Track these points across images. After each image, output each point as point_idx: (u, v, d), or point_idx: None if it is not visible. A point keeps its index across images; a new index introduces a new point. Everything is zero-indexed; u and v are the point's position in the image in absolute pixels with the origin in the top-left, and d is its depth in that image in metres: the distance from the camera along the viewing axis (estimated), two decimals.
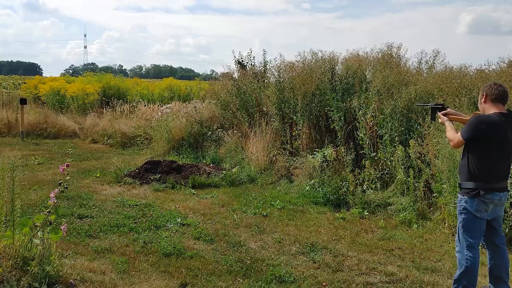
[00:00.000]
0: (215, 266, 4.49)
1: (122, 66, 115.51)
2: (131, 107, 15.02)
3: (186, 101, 15.14)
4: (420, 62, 9.00)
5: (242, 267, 4.48)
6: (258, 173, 8.54)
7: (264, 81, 10.59)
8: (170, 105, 13.99)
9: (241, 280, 4.18)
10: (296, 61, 9.50)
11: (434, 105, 4.32)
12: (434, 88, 6.98)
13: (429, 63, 8.90)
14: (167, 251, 4.76)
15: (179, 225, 5.72)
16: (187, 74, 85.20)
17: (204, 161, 9.74)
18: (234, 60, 11.56)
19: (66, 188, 3.81)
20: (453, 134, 3.87)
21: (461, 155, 3.89)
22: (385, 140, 7.13)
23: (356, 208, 6.52)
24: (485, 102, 3.74)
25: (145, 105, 14.97)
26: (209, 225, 5.82)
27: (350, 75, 8.56)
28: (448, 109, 4.13)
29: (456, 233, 3.92)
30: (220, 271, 4.38)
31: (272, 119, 9.49)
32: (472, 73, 7.59)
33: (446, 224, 5.72)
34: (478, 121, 3.64)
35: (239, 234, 5.49)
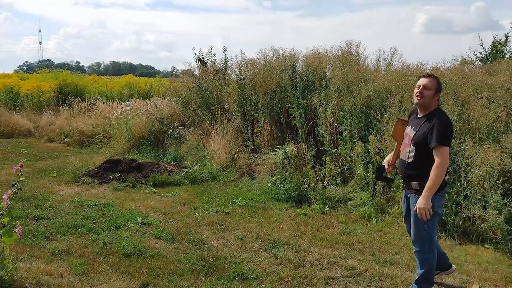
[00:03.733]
0: (177, 265, 4.44)
1: (80, 63, 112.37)
2: (89, 104, 14.66)
3: (146, 99, 14.92)
4: (378, 59, 9.22)
5: (205, 265, 4.45)
6: (220, 171, 8.51)
7: (225, 78, 10.54)
8: (129, 102, 13.74)
9: (203, 279, 4.16)
10: (257, 58, 9.51)
11: (378, 175, 4.17)
12: (392, 85, 7.15)
13: (387, 60, 9.12)
14: (128, 251, 4.68)
15: (140, 224, 5.62)
16: (147, 71, 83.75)
17: (165, 159, 9.62)
18: (195, 57, 11.49)
19: (20, 189, 3.67)
20: (437, 165, 3.45)
21: (413, 155, 3.65)
22: (345, 136, 7.25)
23: (317, 204, 6.61)
24: (437, 98, 3.68)
25: (103, 103, 14.63)
26: (170, 224, 5.75)
27: (310, 72, 8.64)
28: (386, 165, 4.03)
29: (414, 233, 3.76)
30: (182, 270, 4.34)
31: (233, 116, 9.47)
32: (428, 70, 7.82)
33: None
34: (448, 122, 3.56)
35: (201, 232, 5.46)
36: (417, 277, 3.81)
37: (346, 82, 7.60)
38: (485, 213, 5.25)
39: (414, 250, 3.84)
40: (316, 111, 7.86)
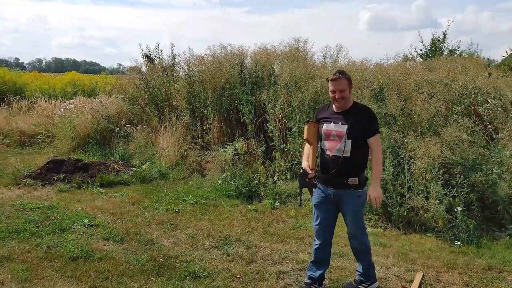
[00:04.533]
0: (127, 267, 4.33)
1: (19, 59, 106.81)
2: (30, 103, 14.01)
3: (91, 96, 14.43)
4: (325, 56, 9.39)
5: (155, 265, 4.37)
6: (169, 169, 8.39)
7: (173, 75, 10.39)
8: (73, 100, 13.28)
9: (154, 279, 4.08)
10: (206, 54, 9.45)
11: (302, 181, 3.84)
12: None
13: (333, 57, 9.32)
14: (74, 255, 4.51)
15: (86, 226, 5.44)
16: (92, 68, 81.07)
17: (112, 159, 9.37)
18: (142, 54, 11.21)
19: None
20: (379, 153, 3.70)
21: (349, 149, 3.62)
22: (294, 132, 7.34)
23: (268, 199, 6.66)
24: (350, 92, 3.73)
25: (46, 101, 14.04)
26: (119, 224, 5.61)
27: (259, 69, 8.68)
28: (308, 170, 3.75)
29: (356, 228, 3.77)
30: (131, 271, 4.24)
31: (182, 114, 9.35)
32: (372, 66, 8.06)
33: None
34: (373, 111, 3.82)
35: (151, 232, 5.36)
36: (362, 270, 3.89)
37: (294, 78, 7.69)
38: (428, 203, 5.48)
39: (353, 244, 3.86)
40: (265, 107, 7.90)
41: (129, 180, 7.82)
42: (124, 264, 4.38)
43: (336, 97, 3.63)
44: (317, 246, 3.90)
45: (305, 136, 3.83)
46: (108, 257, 4.53)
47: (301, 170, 3.78)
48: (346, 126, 3.61)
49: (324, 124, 3.74)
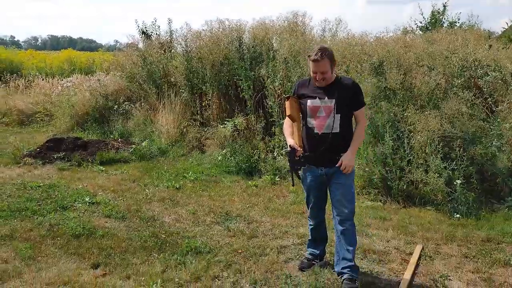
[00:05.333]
0: (129, 243, 4.37)
1: (15, 37, 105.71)
2: (27, 81, 13.93)
3: (88, 74, 14.34)
4: (324, 30, 9.27)
5: (157, 242, 4.41)
6: (169, 146, 8.40)
7: (171, 51, 10.28)
8: (71, 78, 13.21)
9: (156, 255, 4.12)
10: (203, 29, 9.33)
11: (292, 160, 3.57)
12: (337, 55, 7.22)
13: (332, 31, 9.20)
14: (76, 232, 4.55)
15: (88, 204, 5.47)
16: (88, 45, 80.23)
17: (111, 136, 9.37)
18: (138, 30, 11.06)
19: None
20: (363, 125, 3.66)
21: (338, 125, 3.48)
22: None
23: (268, 175, 6.68)
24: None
25: (43, 79, 13.95)
26: (120, 201, 5.64)
27: (257, 44, 8.58)
28: (296, 146, 3.50)
29: (348, 203, 3.56)
30: (134, 248, 4.28)
31: (181, 90, 9.28)
32: (372, 40, 7.97)
33: None
34: (359, 85, 3.65)
35: (152, 209, 5.39)
36: (351, 255, 3.56)
37: (293, 53, 7.62)
38: (427, 176, 5.50)
39: (345, 227, 3.55)
40: (264, 82, 7.85)
41: (129, 158, 7.83)
42: (126, 241, 4.42)
43: (317, 78, 3.45)
44: (312, 226, 3.89)
45: (288, 112, 3.59)
46: (110, 234, 4.57)
47: (288, 148, 3.54)
48: (333, 101, 3.44)
49: (309, 101, 3.53)
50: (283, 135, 4.07)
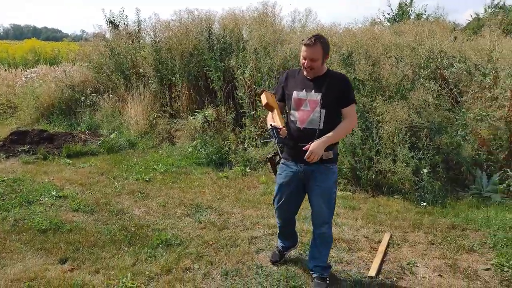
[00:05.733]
0: (98, 237, 4.30)
1: None
2: None
3: (54, 65, 13.95)
4: (293, 20, 9.31)
5: (127, 235, 4.35)
6: (138, 138, 8.28)
7: (139, 41, 10.10)
8: (35, 69, 12.80)
9: (126, 249, 4.07)
10: (172, 20, 9.20)
11: (277, 135, 3.23)
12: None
13: (302, 21, 9.23)
14: (43, 227, 4.43)
15: (54, 198, 5.34)
16: (54, 35, 78.06)
17: (79, 129, 9.16)
18: (106, 19, 10.82)
19: None
20: (351, 122, 3.33)
21: (323, 120, 3.25)
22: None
23: (239, 166, 6.68)
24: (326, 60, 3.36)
25: (5, 70, 13.48)
26: (88, 195, 5.52)
27: (227, 34, 8.52)
28: (278, 125, 3.25)
29: (327, 208, 3.40)
30: (103, 241, 4.21)
31: (150, 81, 9.14)
32: (341, 31, 8.03)
33: None
34: (350, 81, 3.45)
35: (122, 202, 5.31)
36: (322, 263, 3.50)
37: (263, 44, 7.60)
38: (395, 166, 5.61)
39: (322, 231, 3.44)
40: (234, 73, 7.81)
41: (97, 150, 7.67)
42: (95, 235, 4.34)
43: (305, 65, 3.22)
44: (280, 225, 3.77)
45: (263, 102, 3.38)
46: (78, 228, 4.48)
47: (270, 125, 3.26)
48: (320, 94, 3.23)
49: (295, 92, 3.32)
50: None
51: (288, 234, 3.85)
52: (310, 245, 3.61)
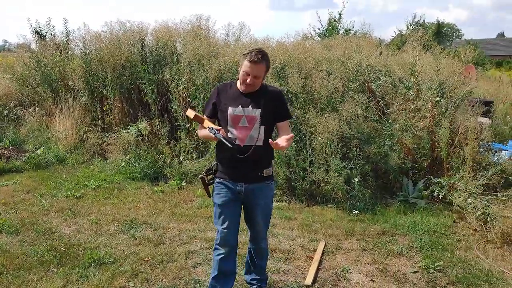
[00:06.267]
0: (24, 259, 4.05)
1: None
2: None
3: None
4: (227, 34, 9.39)
5: (56, 255, 4.14)
6: (67, 153, 7.94)
7: (67, 53, 9.72)
8: None
9: (55, 270, 3.87)
10: (103, 31, 8.95)
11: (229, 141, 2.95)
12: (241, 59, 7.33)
13: (236, 35, 9.34)
14: None
15: None
16: None
17: (1, 144, 8.61)
18: (31, 30, 10.31)
19: None
20: (288, 133, 3.09)
21: (262, 137, 3.10)
22: (199, 111, 7.28)
23: (174, 180, 6.58)
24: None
25: None
26: (12, 215, 5.20)
27: (160, 47, 8.42)
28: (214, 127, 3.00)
29: (265, 225, 3.37)
30: (29, 263, 3.97)
31: (79, 94, 8.81)
32: (274, 45, 8.20)
33: None
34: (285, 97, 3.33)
35: (50, 221, 5.05)
36: (260, 275, 3.55)
37: (197, 57, 7.59)
38: (328, 176, 5.77)
39: (261, 246, 3.43)
40: (169, 86, 7.72)
41: (22, 167, 7.26)
42: (20, 257, 4.09)
43: (248, 81, 3.02)
44: (223, 255, 3.25)
45: (192, 115, 3.18)
46: (2, 251, 4.20)
47: (209, 128, 3.01)
48: (259, 110, 3.07)
49: (230, 109, 3.09)
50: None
51: (230, 270, 3.33)
52: (247, 258, 3.58)
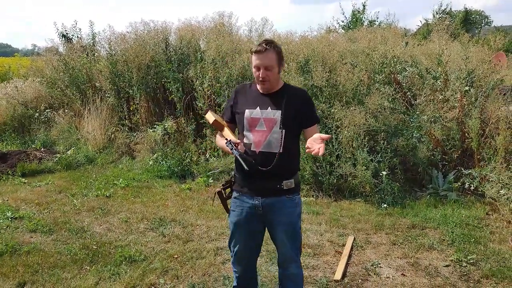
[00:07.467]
0: (58, 258, 4.15)
1: None
2: None
3: (4, 81, 13.44)
4: (250, 30, 9.38)
5: (88, 253, 4.23)
6: (97, 153, 8.10)
7: (94, 54, 9.90)
8: None
9: (88, 268, 3.95)
10: (128, 32, 9.09)
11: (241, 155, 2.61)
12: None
13: (259, 31, 9.31)
14: None
15: (10, 219, 5.13)
16: (3, 50, 75.39)
17: (33, 146, 8.86)
18: (58, 33, 10.56)
19: None
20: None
21: (282, 142, 2.67)
22: (223, 108, 7.30)
23: (201, 177, 6.63)
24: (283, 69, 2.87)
25: None
26: (46, 214, 5.34)
27: (184, 45, 8.49)
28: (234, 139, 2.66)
29: (292, 247, 2.82)
30: (63, 262, 4.07)
31: (106, 95, 8.98)
32: (297, 39, 8.16)
33: None
34: (311, 97, 2.94)
35: (82, 220, 5.16)
36: None
37: (220, 54, 7.62)
38: (355, 170, 5.71)
39: (289, 272, 2.86)
40: (193, 84, 7.78)
41: (53, 168, 7.45)
42: (54, 255, 4.20)
43: (260, 75, 2.64)
44: (238, 275, 2.97)
45: (210, 121, 2.86)
46: (37, 250, 4.32)
47: (226, 140, 2.66)
48: (279, 112, 2.68)
49: (247, 110, 2.74)
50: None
51: (247, 284, 3.04)
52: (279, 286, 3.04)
